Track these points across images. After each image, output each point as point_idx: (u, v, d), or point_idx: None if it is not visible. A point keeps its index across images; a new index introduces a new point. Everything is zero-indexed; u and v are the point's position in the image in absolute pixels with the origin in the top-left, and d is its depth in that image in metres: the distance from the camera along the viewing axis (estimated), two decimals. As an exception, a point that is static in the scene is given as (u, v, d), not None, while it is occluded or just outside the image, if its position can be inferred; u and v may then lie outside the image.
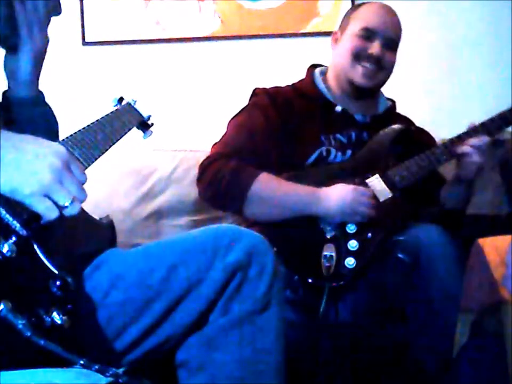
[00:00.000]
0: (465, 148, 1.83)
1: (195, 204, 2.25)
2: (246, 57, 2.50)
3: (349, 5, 2.49)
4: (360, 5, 2.01)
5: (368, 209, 1.79)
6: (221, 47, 2.50)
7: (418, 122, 2.09)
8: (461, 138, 1.86)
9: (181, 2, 2.47)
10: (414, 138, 2.00)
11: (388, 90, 2.04)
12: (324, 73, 2.03)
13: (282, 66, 2.45)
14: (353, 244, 1.77)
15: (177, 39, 2.48)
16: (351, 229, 1.79)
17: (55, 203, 0.93)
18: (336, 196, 1.79)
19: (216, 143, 1.92)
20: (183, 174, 2.27)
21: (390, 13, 1.97)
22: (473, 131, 1.86)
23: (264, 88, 1.99)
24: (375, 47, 1.91)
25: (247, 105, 1.98)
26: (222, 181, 1.80)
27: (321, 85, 2.00)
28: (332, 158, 1.91)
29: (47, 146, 0.94)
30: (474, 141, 1.83)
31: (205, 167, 1.86)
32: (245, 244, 1.14)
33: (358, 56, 1.92)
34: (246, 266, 1.12)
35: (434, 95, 2.52)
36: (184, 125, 2.45)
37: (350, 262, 1.75)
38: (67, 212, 0.94)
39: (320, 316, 1.65)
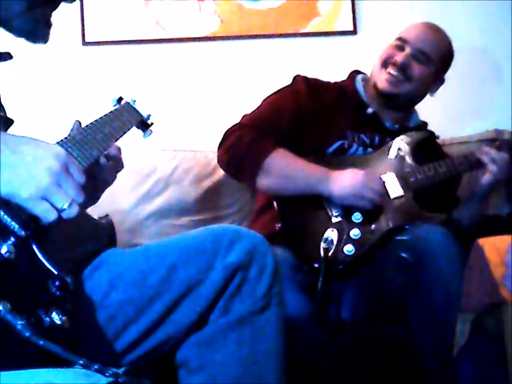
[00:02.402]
0: (483, 159, 1.88)
1: (195, 204, 2.25)
2: (246, 57, 2.50)
3: (349, 5, 2.49)
4: None
5: (376, 196, 1.82)
6: (221, 47, 2.49)
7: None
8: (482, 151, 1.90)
9: (181, 2, 2.47)
10: (438, 148, 2.07)
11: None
12: (365, 80, 2.08)
13: (282, 66, 2.45)
14: (355, 232, 1.80)
15: (177, 39, 2.48)
16: (356, 218, 1.83)
17: (54, 206, 0.93)
18: (348, 178, 1.83)
19: (246, 115, 1.98)
20: (183, 174, 2.26)
21: (431, 30, 2.02)
22: (497, 147, 1.91)
23: (305, 76, 2.05)
24: (401, 55, 1.96)
25: (284, 87, 2.04)
26: (240, 148, 1.86)
27: (360, 87, 2.06)
28: (352, 152, 1.95)
29: (46, 149, 0.94)
30: (493, 154, 1.87)
31: (228, 134, 1.92)
32: (245, 244, 1.14)
33: (385, 62, 1.98)
34: (246, 266, 1.12)
35: (438, 97, 2.51)
36: (184, 125, 2.45)
37: (349, 249, 1.78)
38: (65, 215, 0.94)
39: (318, 295, 1.68)
